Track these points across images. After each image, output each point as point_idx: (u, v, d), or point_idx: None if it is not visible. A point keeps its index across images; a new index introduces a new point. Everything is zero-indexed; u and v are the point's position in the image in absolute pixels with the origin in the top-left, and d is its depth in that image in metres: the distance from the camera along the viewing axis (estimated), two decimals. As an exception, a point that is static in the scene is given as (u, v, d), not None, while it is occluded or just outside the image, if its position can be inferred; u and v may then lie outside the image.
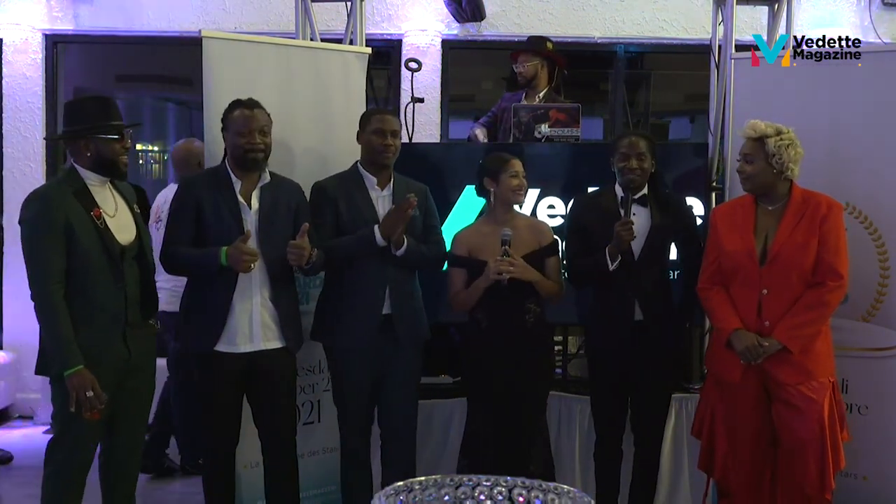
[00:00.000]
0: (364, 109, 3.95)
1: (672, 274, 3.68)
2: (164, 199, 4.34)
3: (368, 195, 3.37)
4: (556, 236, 3.51)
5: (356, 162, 3.45)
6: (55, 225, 2.85)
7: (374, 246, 3.24)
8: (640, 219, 3.36)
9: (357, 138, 3.43)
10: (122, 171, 3.03)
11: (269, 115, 3.25)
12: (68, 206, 2.89)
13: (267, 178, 3.24)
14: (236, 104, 3.21)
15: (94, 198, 2.97)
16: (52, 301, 2.84)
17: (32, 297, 2.90)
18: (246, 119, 3.16)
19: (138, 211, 3.16)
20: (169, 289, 3.99)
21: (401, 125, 3.49)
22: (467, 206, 4.04)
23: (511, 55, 4.92)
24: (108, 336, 2.93)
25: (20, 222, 2.93)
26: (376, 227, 3.25)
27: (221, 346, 3.16)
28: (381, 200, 3.38)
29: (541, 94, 4.76)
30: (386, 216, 3.26)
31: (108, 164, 2.99)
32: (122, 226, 3.03)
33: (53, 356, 2.88)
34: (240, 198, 3.18)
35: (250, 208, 3.19)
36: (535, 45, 4.86)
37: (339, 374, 3.40)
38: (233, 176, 3.20)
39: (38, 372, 3.03)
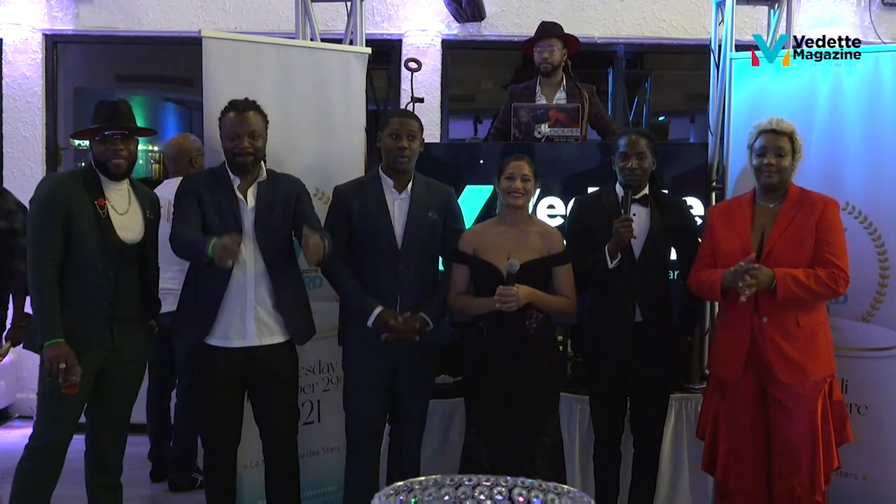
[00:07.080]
0: (364, 109, 3.96)
1: (672, 274, 3.67)
2: (160, 194, 4.25)
3: (384, 199, 3.32)
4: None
5: (378, 165, 3.41)
6: (58, 207, 3.01)
7: (367, 314, 3.22)
8: (640, 219, 3.35)
9: (377, 141, 3.38)
10: (112, 173, 3.13)
11: (264, 115, 3.23)
12: (74, 191, 3.06)
13: (263, 175, 3.24)
14: (230, 106, 3.20)
15: (105, 192, 3.11)
16: (44, 278, 3.00)
17: (27, 275, 3.05)
18: (235, 123, 3.15)
19: (152, 217, 3.25)
20: (176, 290, 3.95)
21: (420, 127, 3.36)
22: (467, 207, 4.03)
23: (527, 46, 4.62)
24: (93, 322, 3.06)
25: (30, 201, 3.10)
26: (377, 310, 3.20)
27: (214, 340, 3.16)
28: (399, 204, 3.33)
29: (558, 81, 4.51)
30: (381, 312, 3.20)
31: (99, 165, 3.14)
32: (129, 225, 3.15)
33: (38, 330, 3.02)
34: (238, 194, 3.20)
35: (247, 204, 3.20)
36: (557, 29, 4.60)
37: (353, 374, 3.38)
38: (231, 174, 3.21)
39: (25, 346, 3.21)
